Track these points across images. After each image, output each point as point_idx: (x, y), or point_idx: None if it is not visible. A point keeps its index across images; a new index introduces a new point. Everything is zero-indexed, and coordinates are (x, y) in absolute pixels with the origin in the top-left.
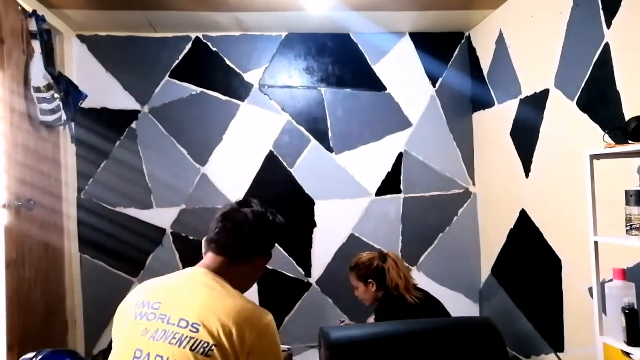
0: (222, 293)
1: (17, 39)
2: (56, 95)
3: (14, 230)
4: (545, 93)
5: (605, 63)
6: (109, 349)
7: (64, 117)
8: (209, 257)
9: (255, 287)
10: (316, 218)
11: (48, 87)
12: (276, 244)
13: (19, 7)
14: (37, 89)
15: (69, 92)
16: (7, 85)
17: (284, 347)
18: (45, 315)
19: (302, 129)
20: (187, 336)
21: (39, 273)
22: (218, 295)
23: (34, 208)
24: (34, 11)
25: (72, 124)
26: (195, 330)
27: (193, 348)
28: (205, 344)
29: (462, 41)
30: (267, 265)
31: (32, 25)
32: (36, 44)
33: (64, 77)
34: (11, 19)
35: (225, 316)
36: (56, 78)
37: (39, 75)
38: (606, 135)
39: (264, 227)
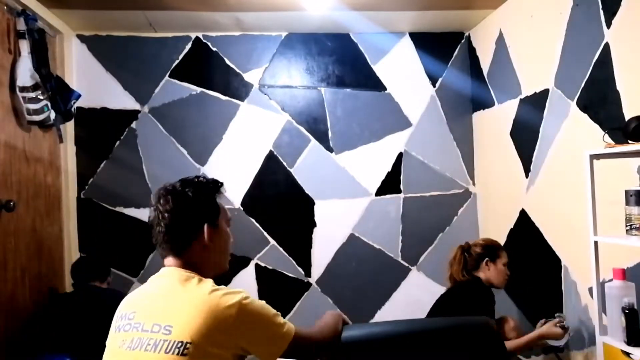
0: (193, 288)
1: (1, 38)
2: (42, 95)
3: None
4: (545, 93)
5: (605, 63)
6: None
7: (52, 116)
8: (169, 258)
9: (255, 286)
10: (316, 218)
11: (35, 87)
12: (273, 241)
13: (5, 7)
14: (23, 89)
15: (58, 92)
16: None
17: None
18: None
19: (302, 129)
20: (161, 339)
21: (27, 274)
22: (189, 291)
23: (14, 209)
24: (23, 10)
25: (66, 123)
26: (167, 332)
27: (168, 350)
28: (180, 344)
29: (462, 41)
30: (266, 265)
31: (21, 25)
32: (24, 44)
33: (54, 77)
34: None
35: (196, 312)
36: (45, 78)
37: (25, 75)
38: (606, 135)
39: (177, 208)
